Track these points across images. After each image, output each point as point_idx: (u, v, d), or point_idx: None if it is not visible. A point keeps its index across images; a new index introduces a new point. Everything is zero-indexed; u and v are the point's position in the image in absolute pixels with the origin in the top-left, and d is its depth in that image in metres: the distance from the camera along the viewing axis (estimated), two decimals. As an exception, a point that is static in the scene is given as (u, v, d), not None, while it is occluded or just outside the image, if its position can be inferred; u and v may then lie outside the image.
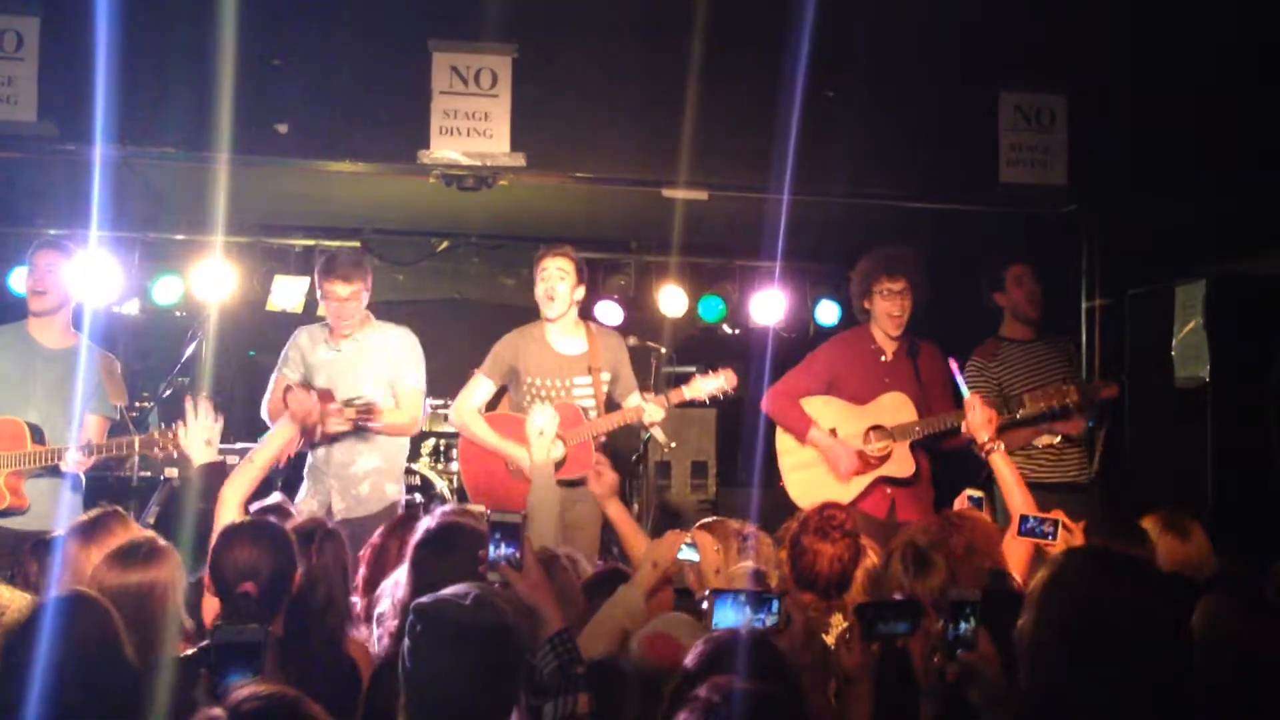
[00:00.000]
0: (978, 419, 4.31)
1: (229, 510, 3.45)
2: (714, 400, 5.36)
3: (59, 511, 4.79)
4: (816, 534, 3.59)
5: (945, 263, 5.61)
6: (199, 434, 3.88)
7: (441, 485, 7.34)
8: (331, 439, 5.07)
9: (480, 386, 5.34)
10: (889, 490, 5.25)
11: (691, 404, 5.46)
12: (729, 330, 7.93)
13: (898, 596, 2.88)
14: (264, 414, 5.23)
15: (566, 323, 5.32)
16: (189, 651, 2.86)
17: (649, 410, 5.14)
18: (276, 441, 3.95)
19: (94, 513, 3.56)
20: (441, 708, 2.27)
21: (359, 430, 5.04)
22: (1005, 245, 6.43)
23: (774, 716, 1.93)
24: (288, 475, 5.96)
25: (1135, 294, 7.00)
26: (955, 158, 5.42)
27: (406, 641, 2.32)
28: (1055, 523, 3.67)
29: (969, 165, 5.39)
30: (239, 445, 6.68)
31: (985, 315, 5.99)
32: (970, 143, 5.36)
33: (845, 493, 5.20)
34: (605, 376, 5.31)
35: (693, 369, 5.45)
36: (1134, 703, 2.04)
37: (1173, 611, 2.15)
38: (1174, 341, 6.81)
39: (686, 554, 3.40)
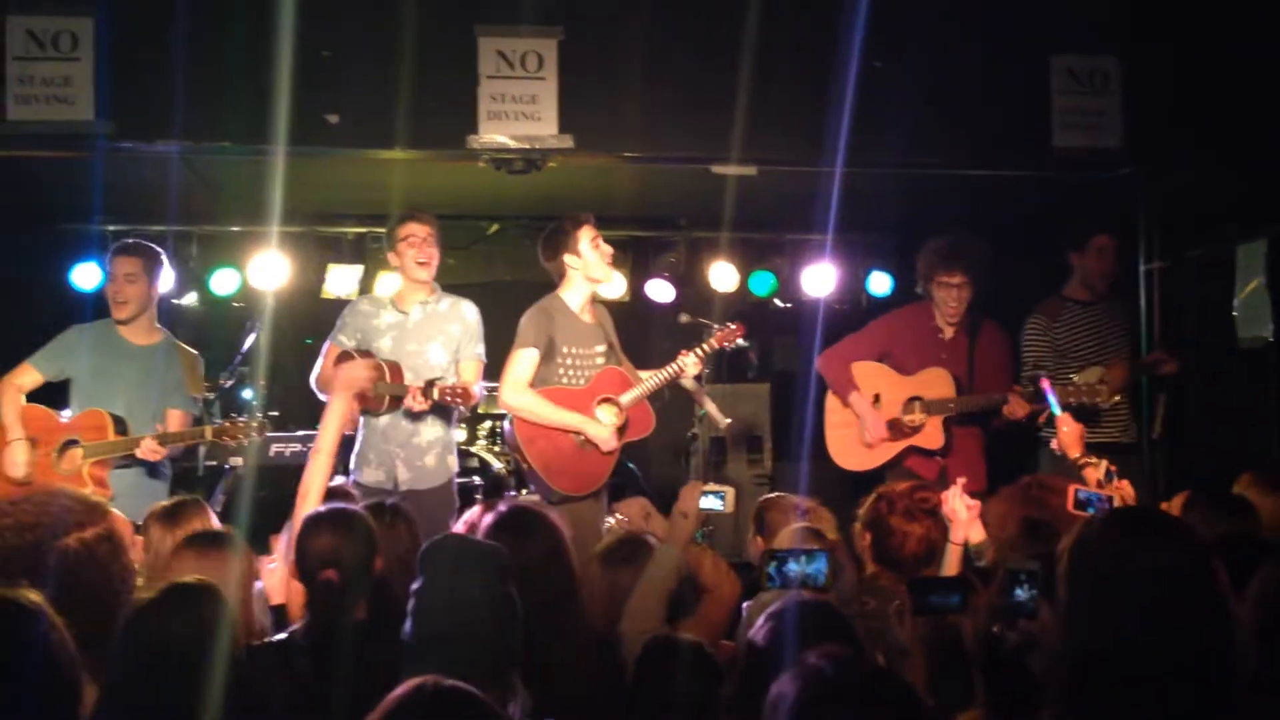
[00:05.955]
0: (1070, 436, 4.25)
1: (311, 505, 3.49)
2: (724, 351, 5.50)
3: (143, 501, 4.92)
4: (905, 515, 3.59)
5: (1000, 229, 5.57)
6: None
7: (499, 467, 7.40)
8: (397, 410, 5.10)
9: (528, 359, 5.07)
10: (941, 460, 5.38)
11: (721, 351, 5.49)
12: (780, 304, 7.91)
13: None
14: (312, 383, 5.22)
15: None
16: (273, 640, 2.94)
17: (689, 363, 5.16)
18: (335, 421, 3.84)
19: (175, 499, 3.76)
20: (444, 621, 2.43)
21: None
22: (1070, 210, 6.37)
23: (881, 687, 1.93)
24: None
25: (1195, 255, 6.89)
26: (1008, 124, 5.35)
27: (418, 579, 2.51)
28: (1111, 498, 3.61)
29: (1022, 131, 5.33)
30: (300, 432, 6.79)
31: (1041, 280, 5.94)
32: (1023, 108, 5.29)
33: (875, 456, 5.47)
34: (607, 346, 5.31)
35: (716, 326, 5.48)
36: (1163, 663, 2.01)
37: (1199, 571, 2.11)
38: (1236, 302, 6.70)
39: (709, 502, 3.48)
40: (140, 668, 2.29)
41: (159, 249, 5.41)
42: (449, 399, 4.93)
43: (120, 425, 5.02)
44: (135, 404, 5.11)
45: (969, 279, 5.34)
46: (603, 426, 5.06)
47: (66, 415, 5.14)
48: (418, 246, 5.17)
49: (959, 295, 5.37)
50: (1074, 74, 5.24)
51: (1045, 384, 4.85)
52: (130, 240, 5.50)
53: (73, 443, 5.03)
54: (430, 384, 4.93)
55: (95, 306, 5.56)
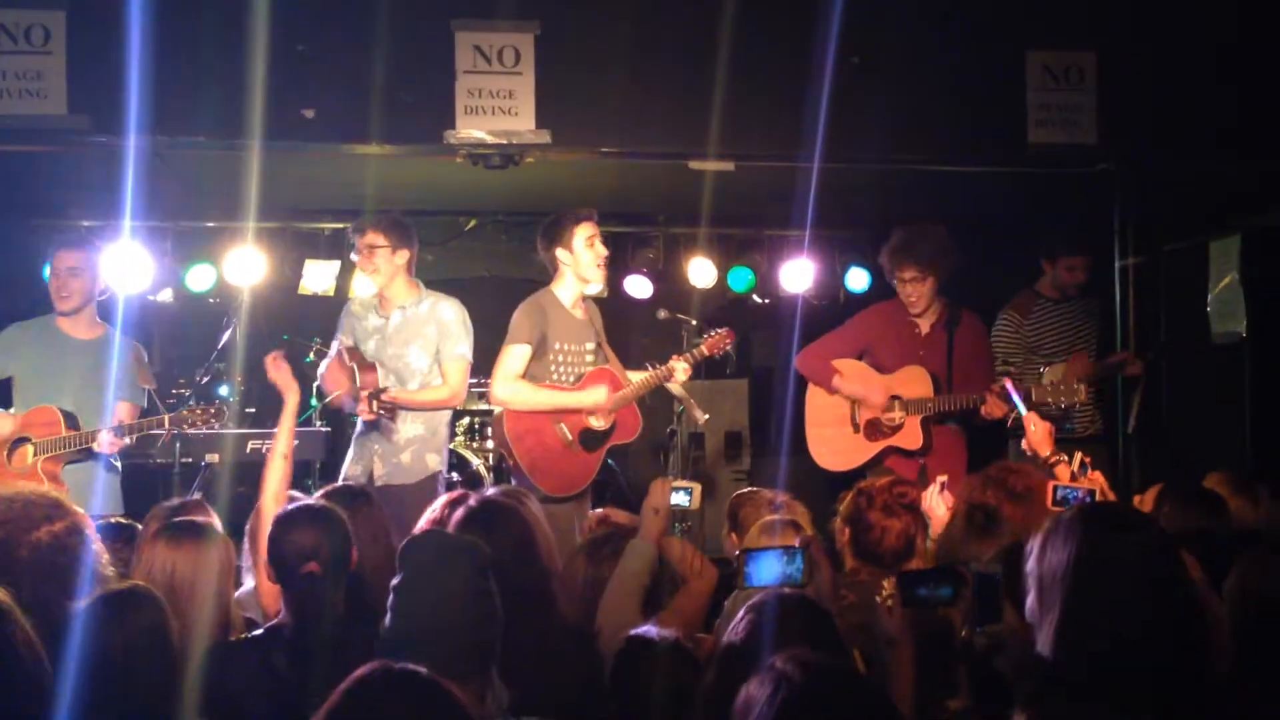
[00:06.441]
0: (1038, 435, 4.25)
1: (270, 508, 3.49)
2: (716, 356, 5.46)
3: (96, 496, 4.89)
4: (883, 510, 3.57)
5: (979, 223, 5.59)
6: None
7: (477, 463, 7.38)
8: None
9: (520, 354, 5.05)
10: (921, 460, 5.35)
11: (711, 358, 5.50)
12: (759, 300, 7.92)
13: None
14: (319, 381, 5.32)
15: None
16: (254, 633, 2.93)
17: (679, 369, 5.17)
18: (287, 423, 3.88)
19: (178, 500, 3.74)
20: (424, 616, 2.41)
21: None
22: (1048, 203, 6.40)
23: (853, 693, 1.92)
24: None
25: (1169, 250, 6.94)
26: (983, 120, 5.38)
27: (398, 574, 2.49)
28: (1091, 493, 3.63)
29: (997, 127, 5.35)
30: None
31: (1023, 271, 5.97)
32: (998, 104, 5.31)
33: (855, 456, 5.42)
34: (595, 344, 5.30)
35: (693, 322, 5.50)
36: (1136, 660, 2.02)
37: (1167, 566, 2.11)
38: (1210, 297, 6.76)
39: (676, 498, 3.49)
40: (82, 676, 2.25)
41: (101, 243, 5.39)
42: (383, 413, 4.97)
43: (71, 420, 4.96)
44: (82, 399, 5.05)
45: (920, 273, 5.33)
46: (597, 393, 5.06)
47: (12, 414, 5.08)
48: (361, 257, 5.23)
49: (915, 290, 5.36)
50: (1050, 70, 5.26)
51: (1008, 384, 4.87)
52: (71, 234, 5.48)
53: (23, 441, 4.97)
54: (375, 394, 4.94)
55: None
